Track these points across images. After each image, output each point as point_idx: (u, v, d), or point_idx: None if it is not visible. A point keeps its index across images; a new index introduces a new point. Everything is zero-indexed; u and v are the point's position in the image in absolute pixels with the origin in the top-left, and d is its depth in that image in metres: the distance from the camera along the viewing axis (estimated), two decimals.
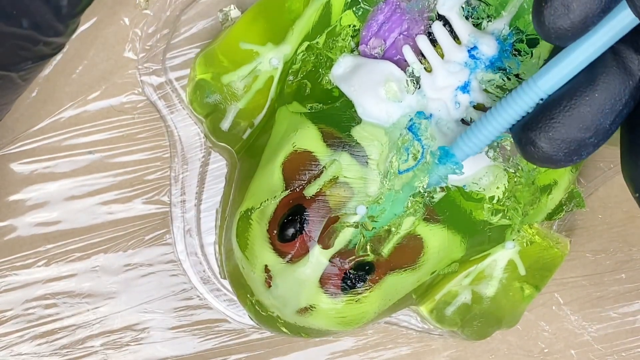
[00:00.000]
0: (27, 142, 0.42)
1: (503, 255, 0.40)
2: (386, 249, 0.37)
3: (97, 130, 0.43)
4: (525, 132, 0.30)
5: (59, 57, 0.42)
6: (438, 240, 0.37)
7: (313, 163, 0.37)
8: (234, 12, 0.41)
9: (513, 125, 0.31)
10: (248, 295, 0.39)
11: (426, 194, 0.36)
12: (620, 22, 0.28)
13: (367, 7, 0.38)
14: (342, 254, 0.36)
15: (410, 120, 0.36)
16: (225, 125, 0.39)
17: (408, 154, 0.36)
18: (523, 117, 0.31)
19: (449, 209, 0.37)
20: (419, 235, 0.37)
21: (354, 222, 0.36)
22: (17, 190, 0.42)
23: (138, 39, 0.42)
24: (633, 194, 0.30)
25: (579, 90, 0.29)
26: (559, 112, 0.29)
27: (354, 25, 0.38)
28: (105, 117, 0.43)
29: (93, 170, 0.43)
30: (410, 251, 0.37)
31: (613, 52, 0.28)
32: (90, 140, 0.43)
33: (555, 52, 0.31)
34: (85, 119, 0.42)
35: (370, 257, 0.36)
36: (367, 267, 0.37)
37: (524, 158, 0.30)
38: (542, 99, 0.30)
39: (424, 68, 0.37)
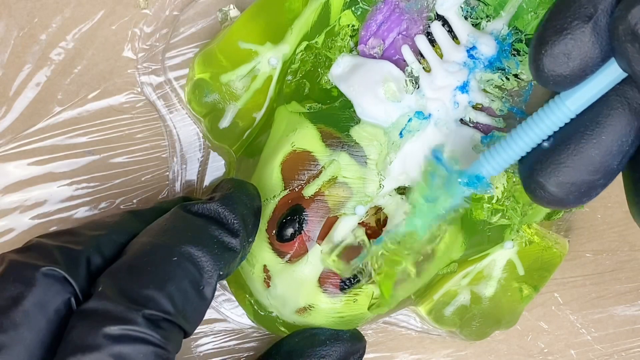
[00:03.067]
0: (27, 142, 0.42)
1: (502, 255, 0.40)
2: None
3: (97, 130, 0.42)
4: (534, 176, 0.29)
5: (59, 57, 0.42)
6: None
7: (312, 163, 0.37)
8: (233, 12, 0.41)
9: (520, 165, 0.31)
10: (247, 296, 0.39)
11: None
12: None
13: (366, 7, 0.38)
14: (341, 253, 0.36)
15: (409, 120, 0.36)
16: (224, 124, 0.39)
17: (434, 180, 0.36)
18: (528, 153, 0.30)
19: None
20: None
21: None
22: (17, 190, 0.42)
23: (137, 38, 0.42)
24: None
25: (585, 134, 0.28)
26: (568, 156, 0.28)
27: (353, 25, 0.38)
28: (105, 116, 0.42)
29: (92, 170, 0.43)
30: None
31: (617, 94, 0.28)
32: (90, 140, 0.42)
33: None
34: (84, 118, 0.42)
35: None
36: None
37: (533, 201, 0.30)
38: (565, 123, 0.29)
39: (423, 68, 0.37)
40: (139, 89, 0.42)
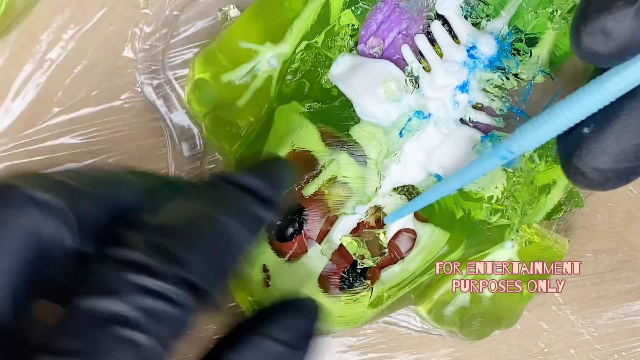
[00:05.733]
0: (27, 142, 0.42)
1: (502, 255, 0.40)
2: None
3: (96, 129, 0.42)
4: (573, 162, 0.29)
5: (59, 57, 0.42)
6: (427, 233, 0.37)
7: (312, 162, 0.37)
8: (233, 12, 0.41)
9: (560, 147, 0.30)
10: (247, 296, 0.39)
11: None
12: None
13: (366, 7, 0.38)
14: (341, 253, 0.36)
15: (408, 120, 0.36)
16: (225, 124, 0.39)
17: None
18: (568, 136, 0.29)
19: (446, 206, 0.37)
20: (411, 228, 0.37)
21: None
22: None
23: (137, 38, 0.42)
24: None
25: (627, 121, 0.28)
26: (608, 145, 0.28)
27: (353, 25, 0.38)
28: (105, 116, 0.42)
29: None
30: (403, 246, 0.37)
31: None
32: (89, 140, 0.42)
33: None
34: (84, 118, 0.42)
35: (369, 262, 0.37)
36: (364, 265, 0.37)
37: (573, 184, 0.30)
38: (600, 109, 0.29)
39: (423, 67, 0.37)
40: (139, 89, 0.42)
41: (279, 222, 0.37)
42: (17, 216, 0.25)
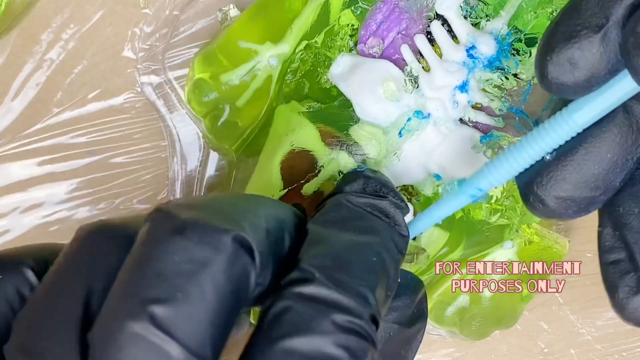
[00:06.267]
0: (27, 142, 0.42)
1: (501, 255, 0.40)
2: None
3: (96, 130, 0.42)
4: (533, 189, 0.28)
5: (59, 57, 0.42)
6: (426, 233, 0.38)
7: (311, 162, 0.37)
8: (233, 12, 0.41)
9: (520, 174, 0.30)
10: None
11: None
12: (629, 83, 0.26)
13: (366, 6, 0.38)
14: None
15: (408, 120, 0.36)
16: (225, 124, 0.39)
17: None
18: (532, 164, 0.29)
19: None
20: None
21: None
22: (16, 190, 0.42)
23: (137, 38, 0.42)
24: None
25: (589, 150, 0.27)
26: (570, 172, 0.28)
27: (353, 25, 0.38)
28: (105, 116, 0.43)
29: (92, 170, 0.43)
30: None
31: (625, 110, 0.27)
32: (89, 140, 0.43)
33: None
34: (84, 118, 0.42)
35: None
36: None
37: (531, 212, 0.29)
38: (570, 137, 0.28)
39: (422, 67, 0.37)
40: (139, 89, 0.43)
41: None
42: (230, 261, 0.25)
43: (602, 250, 0.30)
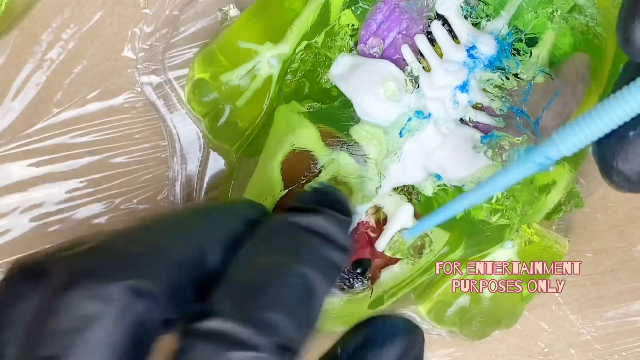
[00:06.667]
0: (27, 142, 0.42)
1: (502, 255, 0.40)
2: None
3: (96, 130, 0.42)
4: (616, 164, 0.27)
5: (59, 57, 0.42)
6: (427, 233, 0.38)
7: (312, 162, 0.37)
8: (233, 12, 0.41)
9: (598, 148, 0.28)
10: None
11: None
12: None
13: (366, 6, 0.38)
14: None
15: (408, 120, 0.36)
16: (225, 124, 0.39)
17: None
18: (609, 136, 0.27)
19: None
20: None
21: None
22: (16, 190, 0.42)
23: (137, 38, 0.42)
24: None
25: None
26: None
27: (353, 25, 0.38)
28: (105, 116, 0.42)
29: (92, 170, 0.43)
30: None
31: None
32: (89, 140, 0.42)
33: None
34: (84, 118, 0.42)
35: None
36: (364, 265, 0.37)
37: (614, 188, 0.28)
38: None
39: (423, 67, 0.37)
40: (139, 89, 0.42)
41: None
42: (121, 312, 0.24)
43: None
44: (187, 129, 0.42)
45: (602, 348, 0.45)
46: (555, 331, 0.45)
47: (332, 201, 0.31)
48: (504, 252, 0.40)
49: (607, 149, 0.28)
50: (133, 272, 0.25)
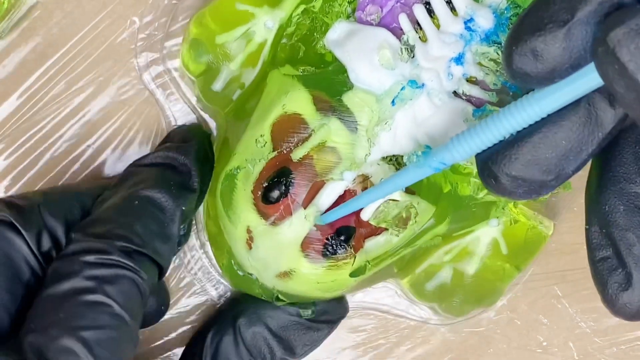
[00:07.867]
0: (27, 139, 0.43)
1: (486, 233, 0.39)
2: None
3: (96, 121, 0.43)
4: (488, 165, 0.30)
5: (59, 56, 0.43)
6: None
7: (302, 126, 0.37)
8: None
9: (482, 151, 0.31)
10: (226, 253, 0.39)
11: None
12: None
13: None
14: None
15: (402, 89, 0.36)
16: (218, 86, 0.39)
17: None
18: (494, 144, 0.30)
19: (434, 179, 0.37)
20: (397, 199, 0.37)
21: None
22: (15, 188, 0.43)
23: (136, 28, 0.43)
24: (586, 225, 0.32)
25: (546, 135, 0.28)
26: (524, 153, 0.29)
27: None
28: (104, 107, 0.43)
29: (91, 163, 0.43)
30: None
31: (588, 102, 0.28)
32: (88, 132, 0.43)
33: None
34: (82, 110, 0.43)
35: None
36: (348, 233, 0.36)
37: (484, 187, 0.31)
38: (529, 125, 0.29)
39: (419, 38, 0.37)
40: (139, 79, 0.43)
41: (265, 184, 0.36)
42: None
43: (590, 248, 0.32)
44: (185, 119, 0.43)
45: (601, 341, 0.45)
46: (555, 324, 0.45)
47: (185, 135, 0.41)
48: (490, 230, 0.39)
49: (486, 153, 0.30)
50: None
